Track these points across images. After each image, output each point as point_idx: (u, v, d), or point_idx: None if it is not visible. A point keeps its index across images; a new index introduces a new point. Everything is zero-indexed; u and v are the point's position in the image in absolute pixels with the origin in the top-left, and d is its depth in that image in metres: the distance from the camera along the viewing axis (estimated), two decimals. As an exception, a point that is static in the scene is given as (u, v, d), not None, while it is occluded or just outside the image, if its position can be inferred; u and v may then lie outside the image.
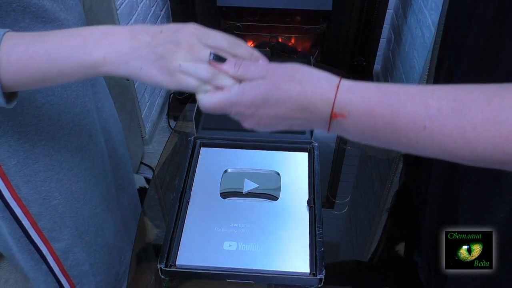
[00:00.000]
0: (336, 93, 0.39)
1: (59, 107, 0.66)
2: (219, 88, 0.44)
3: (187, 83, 0.44)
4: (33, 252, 0.75)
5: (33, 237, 0.73)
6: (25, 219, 0.70)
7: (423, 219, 0.70)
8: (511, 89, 0.35)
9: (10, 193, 0.67)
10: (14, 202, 0.68)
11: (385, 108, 0.38)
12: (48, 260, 0.77)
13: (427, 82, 0.73)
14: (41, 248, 0.75)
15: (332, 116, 0.40)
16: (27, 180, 0.67)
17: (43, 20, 0.60)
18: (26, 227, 0.71)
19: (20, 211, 0.69)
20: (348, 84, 0.40)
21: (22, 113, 0.62)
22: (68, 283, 0.83)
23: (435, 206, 0.64)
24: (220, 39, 0.45)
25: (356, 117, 0.39)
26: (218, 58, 0.44)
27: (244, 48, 0.46)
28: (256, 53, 0.47)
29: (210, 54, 0.44)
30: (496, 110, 0.34)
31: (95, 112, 0.76)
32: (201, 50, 0.44)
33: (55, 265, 0.79)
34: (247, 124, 0.45)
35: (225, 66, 0.44)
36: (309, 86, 0.40)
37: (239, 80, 0.44)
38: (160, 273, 0.66)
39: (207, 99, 0.44)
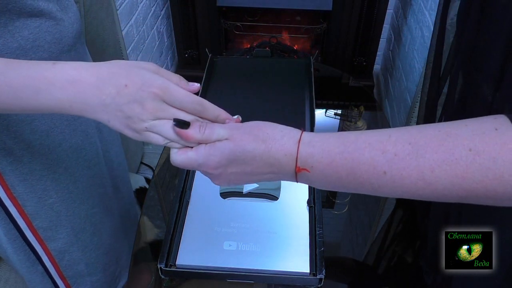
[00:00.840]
0: (298, 148, 0.41)
1: None
2: (187, 146, 0.45)
3: (155, 140, 0.45)
4: (28, 253, 0.75)
5: (28, 237, 0.73)
6: (20, 218, 0.70)
7: (427, 219, 0.69)
8: (461, 127, 0.36)
9: (5, 192, 0.67)
10: (9, 202, 0.68)
11: (346, 158, 0.40)
12: (44, 260, 0.77)
13: (424, 83, 0.73)
14: (36, 248, 0.75)
15: (297, 171, 0.42)
16: (23, 179, 0.67)
17: (38, 20, 0.60)
18: (22, 227, 0.71)
19: (15, 210, 0.69)
20: (308, 139, 0.42)
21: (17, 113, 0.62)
22: (64, 283, 0.83)
23: (441, 207, 0.64)
24: (185, 102, 0.45)
25: (319, 169, 0.41)
26: (182, 124, 0.44)
27: (211, 110, 0.47)
28: (223, 114, 0.47)
29: (173, 121, 0.44)
30: (449, 150, 0.36)
31: None
32: (166, 111, 0.44)
33: (51, 265, 0.79)
34: (216, 182, 0.47)
35: (190, 132, 0.44)
36: (273, 144, 0.42)
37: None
38: (160, 273, 0.66)
39: (177, 157, 0.45)
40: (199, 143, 0.45)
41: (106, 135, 0.85)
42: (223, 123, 0.47)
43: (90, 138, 0.76)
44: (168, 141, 0.45)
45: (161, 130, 0.44)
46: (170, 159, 0.47)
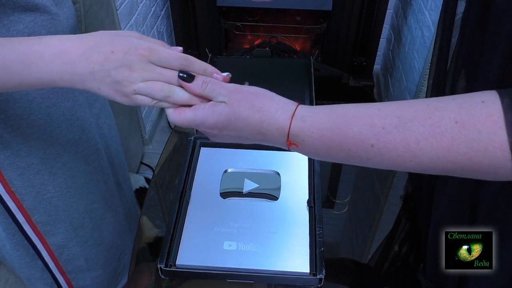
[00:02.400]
0: (290, 124, 0.43)
1: (49, 101, 0.67)
2: (182, 105, 0.47)
3: (143, 102, 0.47)
4: (28, 248, 0.75)
5: (27, 231, 0.73)
6: (19, 213, 0.70)
7: (432, 218, 0.69)
8: (449, 101, 0.37)
9: (4, 186, 0.67)
10: (8, 196, 0.68)
11: (335, 132, 0.41)
12: (43, 255, 0.77)
13: (428, 83, 0.72)
14: (35, 243, 0.75)
15: (288, 145, 0.44)
16: (20, 173, 0.67)
17: (33, 14, 0.60)
18: (20, 221, 0.71)
19: (14, 204, 0.69)
20: (301, 113, 0.43)
21: (14, 106, 0.62)
22: (64, 278, 0.83)
23: (446, 209, 0.64)
24: (171, 60, 0.47)
25: (309, 142, 0.43)
26: (187, 77, 0.47)
27: (197, 64, 0.48)
28: (210, 68, 0.49)
29: (179, 73, 0.47)
30: (436, 123, 0.36)
31: (87, 107, 0.76)
32: (154, 71, 0.46)
33: (50, 260, 0.79)
34: (212, 139, 0.49)
35: (192, 85, 0.47)
36: (267, 116, 0.44)
37: (205, 99, 0.47)
38: (160, 273, 0.66)
39: (174, 116, 0.47)
40: (200, 98, 0.47)
41: (106, 131, 0.85)
42: (211, 76, 0.49)
43: (88, 134, 0.76)
44: (156, 101, 0.47)
45: (149, 92, 0.46)
46: (168, 119, 0.49)
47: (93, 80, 0.45)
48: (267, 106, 0.44)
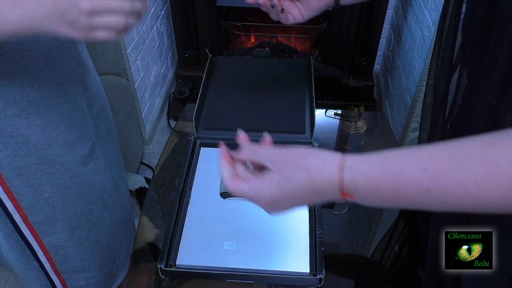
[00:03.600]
0: (341, 177, 0.42)
1: (49, 101, 0.67)
2: (241, 178, 0.48)
3: (102, 36, 0.51)
4: (24, 248, 0.75)
5: (24, 232, 0.73)
6: (16, 213, 0.70)
7: (432, 219, 0.69)
8: (503, 136, 0.36)
9: (1, 186, 0.67)
10: (5, 196, 0.68)
11: (388, 180, 0.40)
12: (39, 255, 0.77)
13: (427, 82, 0.73)
14: (32, 243, 0.75)
15: (343, 197, 0.43)
16: (19, 173, 0.67)
17: None
18: (17, 221, 0.71)
19: (11, 205, 0.69)
20: (349, 164, 0.42)
21: (15, 105, 0.63)
22: (59, 279, 0.83)
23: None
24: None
25: (364, 193, 0.42)
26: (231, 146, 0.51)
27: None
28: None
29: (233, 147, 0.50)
30: (492, 162, 0.35)
31: (86, 109, 0.77)
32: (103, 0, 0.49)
33: (46, 261, 0.79)
34: (269, 212, 0.48)
35: (237, 156, 0.50)
36: (316, 173, 0.43)
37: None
38: (160, 273, 0.66)
39: (231, 187, 0.48)
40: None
41: (104, 133, 0.86)
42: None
43: (86, 135, 0.76)
44: (112, 33, 0.51)
45: (104, 22, 0.49)
46: (224, 185, 0.50)
47: (50, 23, 0.49)
48: (314, 163, 0.44)
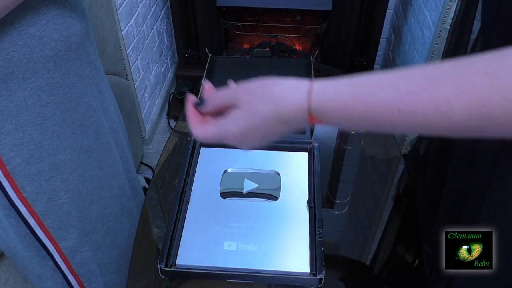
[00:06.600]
0: (310, 100, 0.41)
1: (63, 106, 0.66)
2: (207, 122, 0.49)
3: None
4: (39, 249, 0.75)
5: (39, 235, 0.73)
6: (31, 218, 0.70)
7: (434, 218, 0.69)
8: (477, 58, 0.35)
9: (15, 192, 0.66)
10: (19, 201, 0.67)
11: (359, 102, 0.39)
12: (55, 257, 0.77)
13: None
14: (47, 246, 0.75)
15: (310, 121, 0.42)
16: (32, 179, 0.67)
17: (45, 17, 0.60)
18: (32, 225, 0.71)
19: (25, 210, 0.69)
20: (319, 87, 0.42)
21: (27, 112, 0.62)
22: (76, 280, 0.82)
23: (452, 206, 0.63)
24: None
25: (333, 115, 0.41)
26: (200, 102, 0.50)
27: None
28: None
29: (200, 102, 0.49)
30: (465, 78, 0.34)
31: (101, 112, 0.76)
32: None
33: (62, 262, 0.78)
34: (242, 147, 0.49)
35: (204, 111, 0.50)
36: (281, 102, 0.43)
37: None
38: (160, 273, 0.66)
39: (200, 133, 0.49)
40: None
41: (120, 135, 0.85)
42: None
43: (102, 139, 0.75)
44: None
45: None
46: (193, 135, 0.50)
47: None
48: (278, 92, 0.43)
